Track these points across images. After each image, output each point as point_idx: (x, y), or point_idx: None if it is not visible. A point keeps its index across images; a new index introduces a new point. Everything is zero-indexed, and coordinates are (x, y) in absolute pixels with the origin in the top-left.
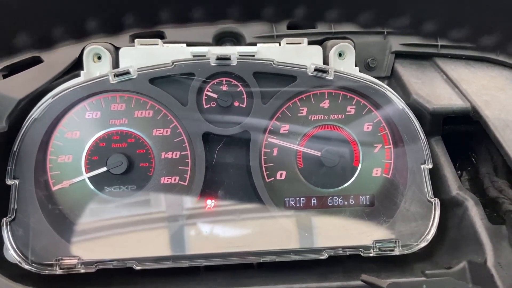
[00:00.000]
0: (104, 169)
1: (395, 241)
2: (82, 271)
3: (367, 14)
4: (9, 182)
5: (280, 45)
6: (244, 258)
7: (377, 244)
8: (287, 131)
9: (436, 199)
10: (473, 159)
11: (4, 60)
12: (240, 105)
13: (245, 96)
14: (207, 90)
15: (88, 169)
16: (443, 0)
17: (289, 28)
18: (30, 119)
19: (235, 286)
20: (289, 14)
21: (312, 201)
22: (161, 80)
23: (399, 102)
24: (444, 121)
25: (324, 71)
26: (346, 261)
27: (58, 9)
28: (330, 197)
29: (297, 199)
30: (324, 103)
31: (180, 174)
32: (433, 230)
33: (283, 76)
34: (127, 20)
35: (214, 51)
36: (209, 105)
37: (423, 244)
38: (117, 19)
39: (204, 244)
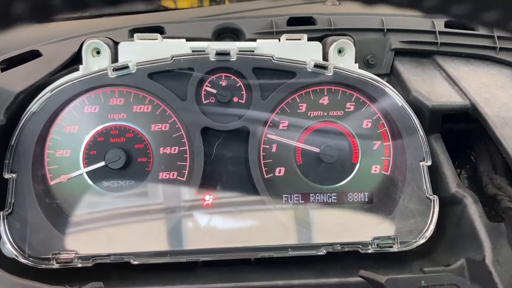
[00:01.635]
0: (102, 163)
1: (394, 238)
2: (79, 265)
3: None
4: (6, 176)
5: (279, 41)
6: (242, 253)
7: (375, 240)
8: (286, 127)
9: (435, 196)
10: (472, 156)
11: (1, 33)
12: (239, 100)
13: (244, 92)
14: (206, 85)
15: (86, 164)
16: None
17: (289, 24)
18: (29, 112)
19: (233, 282)
20: None
21: (311, 198)
22: (160, 75)
23: (398, 99)
24: (444, 118)
25: (324, 67)
26: (344, 258)
27: None
28: (329, 194)
29: (296, 195)
30: (324, 99)
31: (179, 169)
32: (431, 227)
33: (282, 72)
34: None
35: (213, 46)
36: (208, 100)
37: (421, 241)
38: None
39: (202, 239)
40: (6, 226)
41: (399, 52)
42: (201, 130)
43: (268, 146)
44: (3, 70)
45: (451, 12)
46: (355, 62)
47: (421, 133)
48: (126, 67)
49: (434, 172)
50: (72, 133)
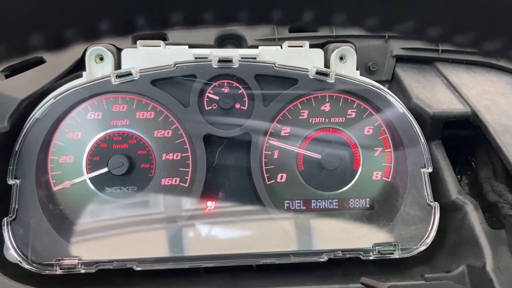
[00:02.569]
0: (105, 169)
1: (395, 245)
2: (82, 271)
3: (372, 19)
4: (10, 182)
5: (281, 48)
6: (244, 260)
7: (376, 247)
8: (288, 134)
9: (435, 203)
10: (473, 163)
11: (15, 60)
12: (241, 107)
13: (246, 99)
14: (209, 92)
15: (89, 170)
16: (446, 6)
17: (291, 31)
18: (32, 119)
19: None
20: (296, 17)
21: (312, 204)
22: (163, 82)
23: (399, 106)
24: (445, 125)
25: (325, 74)
26: (346, 264)
27: (71, 12)
28: (330, 200)
29: (297, 201)
30: (325, 106)
31: (181, 175)
32: (432, 234)
33: (284, 79)
34: (138, 22)
35: (216, 53)
36: (210, 107)
37: (422, 248)
38: (129, 21)
39: (204, 245)
40: (9, 232)
41: (400, 59)
42: (203, 137)
43: (270, 153)
44: (7, 76)
45: (454, 42)
46: (357, 69)
47: (422, 140)
48: (129, 74)
49: (435, 178)
50: (76, 139)
